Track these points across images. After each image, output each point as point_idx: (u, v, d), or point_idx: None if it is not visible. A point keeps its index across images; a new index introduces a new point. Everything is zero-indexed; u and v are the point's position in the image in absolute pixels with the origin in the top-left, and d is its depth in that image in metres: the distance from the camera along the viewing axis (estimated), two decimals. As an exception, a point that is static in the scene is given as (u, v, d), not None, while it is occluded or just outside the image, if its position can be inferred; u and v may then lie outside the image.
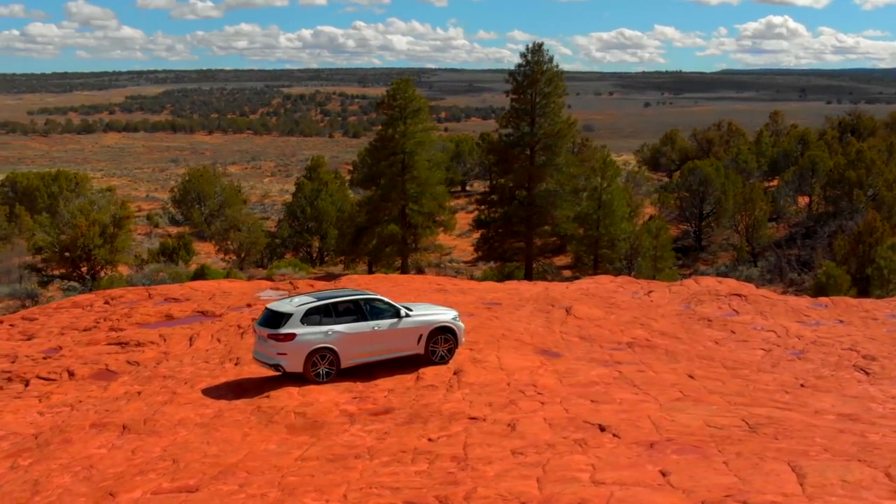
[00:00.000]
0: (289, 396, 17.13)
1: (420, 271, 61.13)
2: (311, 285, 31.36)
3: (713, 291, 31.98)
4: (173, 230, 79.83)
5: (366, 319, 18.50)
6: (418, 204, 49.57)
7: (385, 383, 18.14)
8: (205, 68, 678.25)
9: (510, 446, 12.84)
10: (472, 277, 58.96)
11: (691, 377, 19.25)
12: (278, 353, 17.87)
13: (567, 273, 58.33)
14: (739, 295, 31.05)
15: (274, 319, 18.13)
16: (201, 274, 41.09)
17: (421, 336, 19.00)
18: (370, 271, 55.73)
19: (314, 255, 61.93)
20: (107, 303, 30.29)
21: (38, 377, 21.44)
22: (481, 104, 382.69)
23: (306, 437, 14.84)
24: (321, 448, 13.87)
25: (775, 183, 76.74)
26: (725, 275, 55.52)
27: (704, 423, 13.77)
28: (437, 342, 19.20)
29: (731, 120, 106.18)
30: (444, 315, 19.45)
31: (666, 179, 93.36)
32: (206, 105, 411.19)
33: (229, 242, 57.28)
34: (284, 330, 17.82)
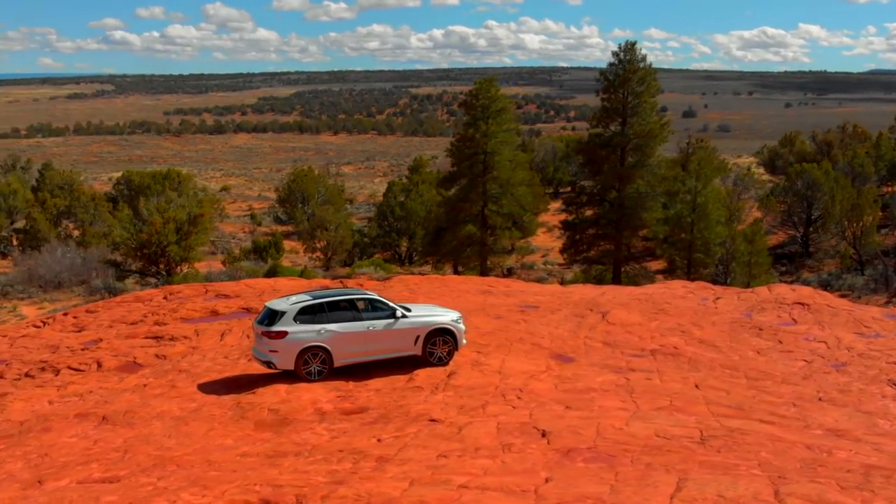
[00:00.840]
0: (273, 393, 17.59)
1: (509, 273, 61.11)
2: (361, 285, 31.88)
3: (779, 299, 30.99)
4: (278, 229, 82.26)
5: (360, 319, 18.78)
6: (497, 205, 49.60)
7: (376, 383, 18.40)
8: (336, 69, 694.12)
9: (444, 449, 12.90)
10: (562, 281, 58.63)
11: (697, 387, 18.79)
12: (270, 351, 18.37)
13: (660, 278, 57.27)
14: (803, 304, 29.98)
15: (269, 317, 18.65)
16: (273, 271, 42.33)
17: (418, 337, 19.16)
18: (455, 272, 56.09)
19: (402, 255, 62.72)
20: (165, 298, 31.60)
21: (69, 367, 22.64)
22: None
23: (269, 433, 15.25)
24: (272, 445, 14.23)
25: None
26: (828, 283, 53.52)
27: (654, 433, 13.50)
28: (435, 344, 19.32)
29: (857, 122, 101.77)
30: (442, 317, 19.55)
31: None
32: (335, 106, 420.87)
33: (316, 241, 58.64)
34: (276, 328, 18.31)
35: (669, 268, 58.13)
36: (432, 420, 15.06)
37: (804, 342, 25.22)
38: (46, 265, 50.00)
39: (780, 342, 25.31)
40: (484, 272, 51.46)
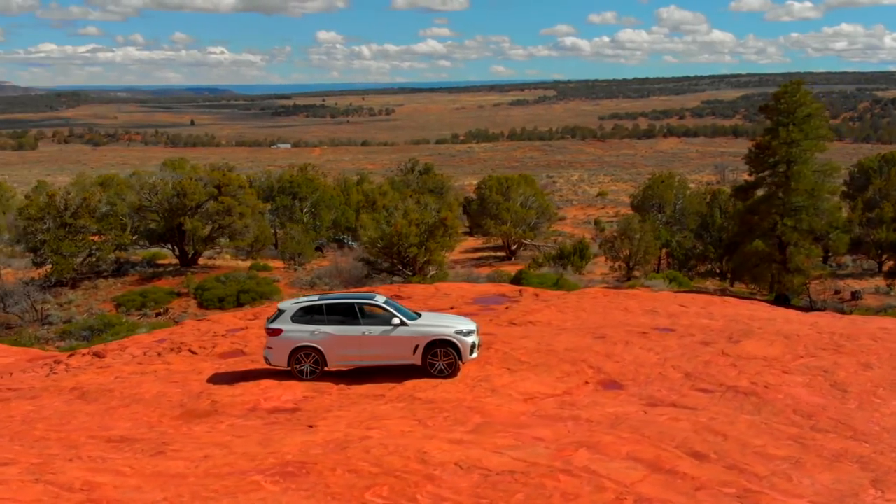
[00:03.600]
0: (250, 386, 19.00)
1: (854, 297, 55.74)
2: (536, 295, 31.86)
3: None
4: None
5: (357, 324, 19.43)
6: (795, 219, 45.67)
7: (361, 388, 18.98)
8: (793, 71, 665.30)
9: (239, 451, 13.58)
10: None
11: (698, 431, 16.99)
12: (267, 347, 19.80)
13: None
14: None
15: (274, 316, 20.08)
16: (518, 278, 43.11)
17: (417, 346, 19.28)
18: (771, 291, 52.59)
19: (723, 269, 59.79)
20: (360, 295, 34.19)
21: (189, 350, 25.74)
22: None
23: (178, 422, 16.66)
24: (140, 432, 15.70)
25: None
26: None
27: (454, 462, 13.02)
28: (436, 355, 19.34)
29: None
30: (444, 328, 19.44)
31: None
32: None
33: (619, 250, 58.06)
34: (273, 325, 19.68)
35: None
36: (310, 426, 15.58)
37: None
38: (351, 260, 55.38)
39: (941, 394, 21.49)
40: (781, 294, 47.82)
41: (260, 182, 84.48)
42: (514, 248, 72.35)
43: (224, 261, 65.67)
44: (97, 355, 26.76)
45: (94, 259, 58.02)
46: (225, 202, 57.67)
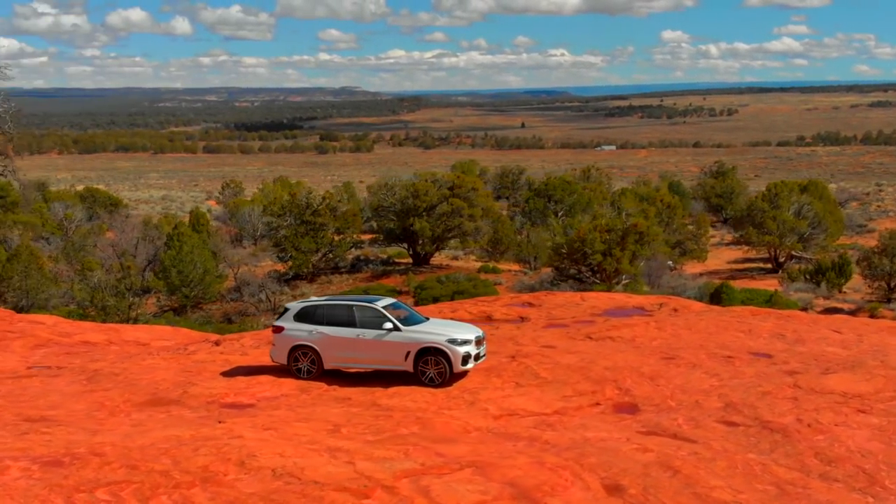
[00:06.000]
0: (239, 381, 20.13)
1: None
2: (675, 310, 30.27)
3: None
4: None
5: (353, 326, 19.83)
6: None
7: (342, 391, 19.39)
8: None
9: (99, 439, 14.66)
10: None
11: (648, 465, 15.79)
12: (272, 344, 20.77)
13: None
14: None
15: (280, 314, 21.04)
16: (717, 292, 40.64)
17: (408, 353, 19.36)
18: None
19: None
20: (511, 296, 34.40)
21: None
22: None
23: (132, 409, 17.95)
24: (86, 414, 17.19)
25: None
26: None
27: (274, 467, 13.24)
28: (427, 363, 19.33)
29: None
30: (435, 336, 19.30)
31: None
32: None
33: (876, 268, 52.99)
34: (277, 323, 20.62)
35: None
36: (219, 422, 16.32)
37: None
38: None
39: None
40: None
41: (538, 185, 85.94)
42: (781, 260, 68.20)
43: (465, 261, 67.63)
44: (216, 343, 28.99)
45: (332, 255, 62.09)
46: (455, 204, 59.45)
